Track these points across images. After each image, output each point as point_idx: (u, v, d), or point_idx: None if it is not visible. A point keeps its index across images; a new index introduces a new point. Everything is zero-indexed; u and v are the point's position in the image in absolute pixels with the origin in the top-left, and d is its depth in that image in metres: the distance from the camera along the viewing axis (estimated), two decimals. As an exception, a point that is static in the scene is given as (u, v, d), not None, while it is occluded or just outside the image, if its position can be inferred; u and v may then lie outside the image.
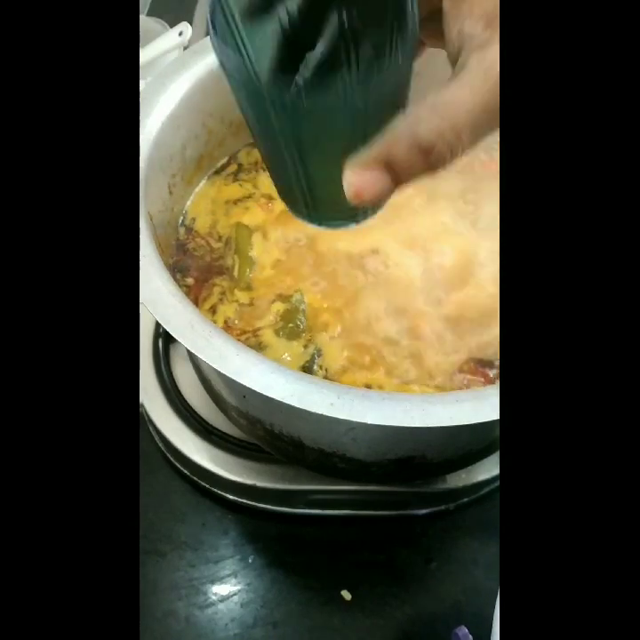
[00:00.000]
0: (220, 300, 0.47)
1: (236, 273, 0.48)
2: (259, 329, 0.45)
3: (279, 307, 0.46)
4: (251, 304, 0.47)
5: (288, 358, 0.44)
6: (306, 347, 0.44)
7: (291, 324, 0.45)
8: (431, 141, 0.23)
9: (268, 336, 0.45)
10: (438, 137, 0.23)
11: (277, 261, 0.49)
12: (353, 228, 0.32)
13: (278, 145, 0.27)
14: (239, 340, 0.44)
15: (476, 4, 0.24)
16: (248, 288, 0.47)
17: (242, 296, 0.47)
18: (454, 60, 0.26)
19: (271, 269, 0.48)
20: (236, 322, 0.46)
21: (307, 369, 0.43)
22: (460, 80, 0.24)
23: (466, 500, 0.56)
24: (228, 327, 0.46)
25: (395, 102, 0.26)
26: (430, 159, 0.24)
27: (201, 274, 0.49)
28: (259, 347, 0.45)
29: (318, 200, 0.30)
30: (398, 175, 0.24)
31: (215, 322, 0.46)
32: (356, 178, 0.24)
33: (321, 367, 0.44)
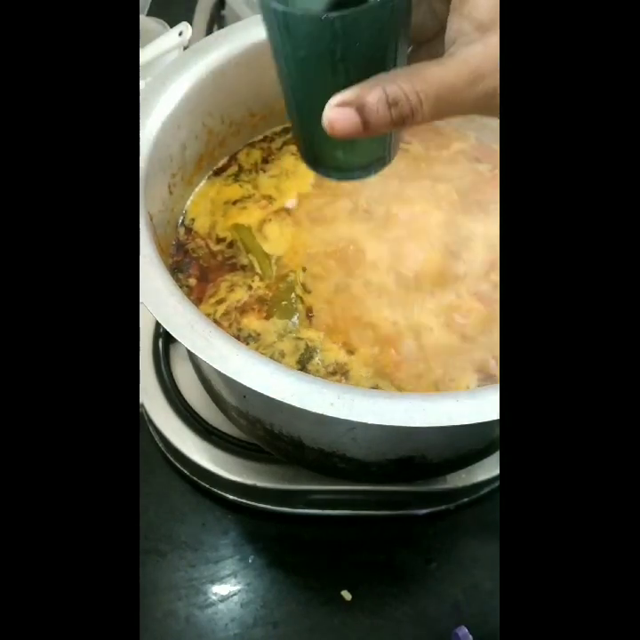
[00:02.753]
0: (231, 290, 0.48)
1: (258, 270, 0.49)
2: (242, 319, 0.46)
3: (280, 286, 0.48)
4: (267, 287, 0.48)
5: (282, 344, 0.45)
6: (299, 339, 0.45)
7: (284, 302, 0.47)
8: (396, 97, 0.28)
9: (254, 325, 0.46)
10: (404, 96, 0.28)
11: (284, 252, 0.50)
12: (353, 180, 0.38)
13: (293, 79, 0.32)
14: (227, 327, 0.45)
15: (475, 9, 0.28)
16: (271, 278, 0.48)
17: (257, 282, 0.48)
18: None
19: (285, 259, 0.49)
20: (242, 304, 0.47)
21: (304, 358, 0.44)
22: (441, 60, 0.29)
23: (466, 500, 0.56)
24: (228, 313, 0.47)
25: (382, 61, 0.30)
26: (393, 112, 0.28)
27: (207, 274, 0.49)
28: (246, 338, 0.45)
29: (321, 153, 0.35)
30: (367, 120, 0.29)
31: (216, 312, 0.46)
32: (332, 111, 0.29)
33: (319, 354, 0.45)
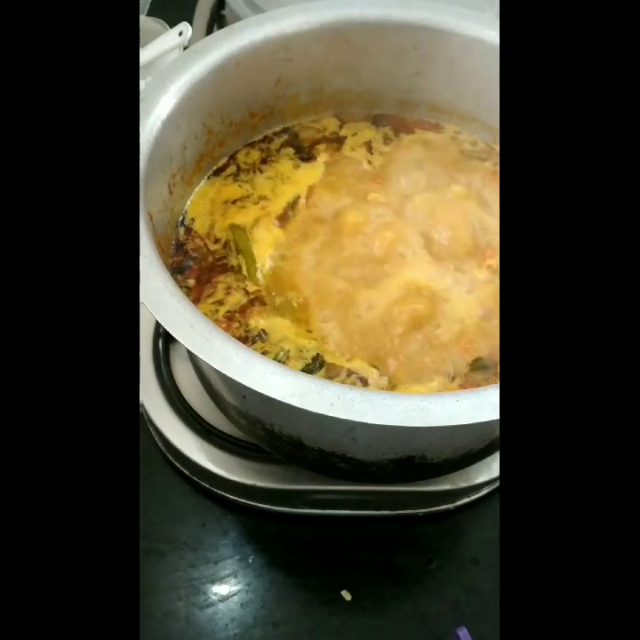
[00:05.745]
0: (227, 293, 0.48)
1: (245, 271, 0.49)
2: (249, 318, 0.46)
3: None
4: (260, 289, 0.48)
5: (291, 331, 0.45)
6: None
7: (282, 298, 0.47)
8: None
9: (261, 324, 0.46)
10: None
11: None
12: None
13: None
14: (233, 329, 0.46)
15: None
16: (257, 282, 0.48)
17: (250, 286, 0.48)
18: None
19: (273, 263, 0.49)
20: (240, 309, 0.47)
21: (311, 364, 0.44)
22: None
23: (466, 500, 0.56)
24: (231, 315, 0.47)
25: None
26: None
27: (202, 274, 0.49)
28: (254, 337, 0.46)
29: None
30: None
31: (217, 311, 0.46)
32: None
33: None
